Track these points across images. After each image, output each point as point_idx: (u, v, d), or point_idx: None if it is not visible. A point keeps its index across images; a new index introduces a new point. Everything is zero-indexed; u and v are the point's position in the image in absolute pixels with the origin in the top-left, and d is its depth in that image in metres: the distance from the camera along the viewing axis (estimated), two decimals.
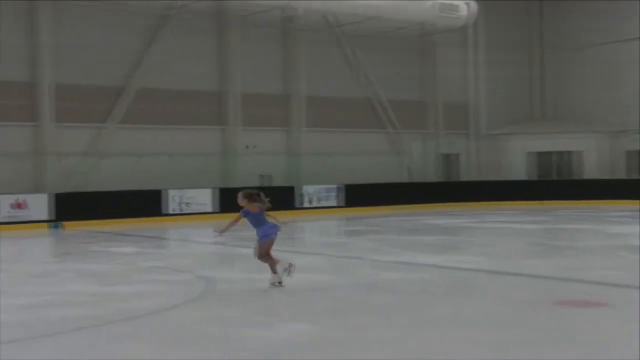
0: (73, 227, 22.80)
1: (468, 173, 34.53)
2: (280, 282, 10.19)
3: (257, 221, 10.22)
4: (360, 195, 29.65)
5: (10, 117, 24.87)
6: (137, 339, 7.38)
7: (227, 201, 26.40)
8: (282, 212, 26.54)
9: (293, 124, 30.50)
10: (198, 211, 26.03)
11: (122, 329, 7.88)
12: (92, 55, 26.23)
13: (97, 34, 26.40)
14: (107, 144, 26.53)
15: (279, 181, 29.56)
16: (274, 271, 10.18)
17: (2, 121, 24.72)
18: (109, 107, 26.63)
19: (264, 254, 10.16)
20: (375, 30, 31.58)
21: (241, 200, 10.25)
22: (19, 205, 22.84)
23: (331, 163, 30.46)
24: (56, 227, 22.96)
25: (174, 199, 25.75)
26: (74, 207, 23.81)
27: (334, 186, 29.42)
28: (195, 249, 17.23)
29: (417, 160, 33.56)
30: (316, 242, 19.14)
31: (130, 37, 27.02)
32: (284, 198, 28.00)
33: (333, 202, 29.19)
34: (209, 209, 26.21)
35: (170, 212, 25.64)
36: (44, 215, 23.28)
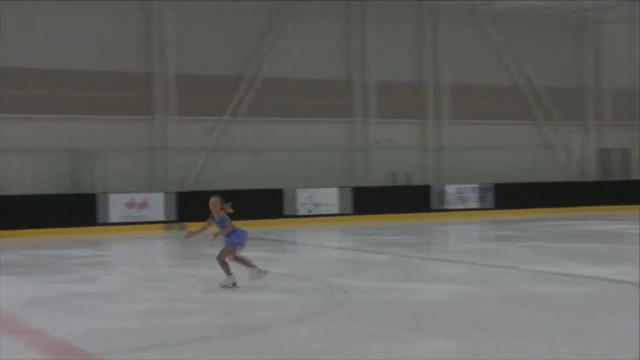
0: (191, 229, 23.46)
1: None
2: (234, 284, 11.38)
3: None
4: (508, 196, 29.02)
5: (126, 110, 26.01)
6: (260, 351, 7.49)
7: (357, 201, 26.54)
8: (416, 214, 27.00)
9: (429, 116, 30.23)
10: (324, 212, 26.25)
11: (245, 340, 8.01)
12: (211, 44, 27.00)
13: (217, 22, 27.16)
14: (225, 138, 27.24)
15: (413, 179, 29.39)
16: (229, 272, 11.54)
17: (120, 114, 25.89)
18: (228, 99, 27.33)
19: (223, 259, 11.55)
20: (525, 7, 30.79)
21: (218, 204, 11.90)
22: (135, 205, 23.84)
23: (474, 159, 29.98)
24: (180, 228, 23.78)
25: (297, 199, 26.08)
26: (190, 206, 24.56)
27: (476, 185, 28.94)
28: (323, 254, 17.33)
29: (575, 156, 32.45)
30: (458, 248, 18.87)
31: (251, 24, 27.61)
32: (418, 198, 27.84)
33: (476, 204, 28.72)
34: (336, 210, 26.38)
35: (293, 213, 25.99)
36: (160, 215, 24.17)
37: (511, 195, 29.04)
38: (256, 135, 27.63)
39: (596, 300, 10.22)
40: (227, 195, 25.24)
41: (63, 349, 7.67)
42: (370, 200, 26.86)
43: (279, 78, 27.93)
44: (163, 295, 11.11)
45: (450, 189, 28.57)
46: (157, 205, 24.16)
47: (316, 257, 16.69)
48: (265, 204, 25.62)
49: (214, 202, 12.02)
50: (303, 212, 26.15)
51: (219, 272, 12.63)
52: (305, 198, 26.29)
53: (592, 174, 32.54)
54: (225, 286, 11.47)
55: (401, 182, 29.04)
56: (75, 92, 25.32)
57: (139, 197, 24.02)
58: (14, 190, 23.64)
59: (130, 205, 23.79)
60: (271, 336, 8.20)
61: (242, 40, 27.47)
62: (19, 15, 24.63)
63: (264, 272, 11.54)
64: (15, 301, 10.63)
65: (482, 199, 28.81)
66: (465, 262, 14.72)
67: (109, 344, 7.85)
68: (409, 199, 27.66)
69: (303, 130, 28.37)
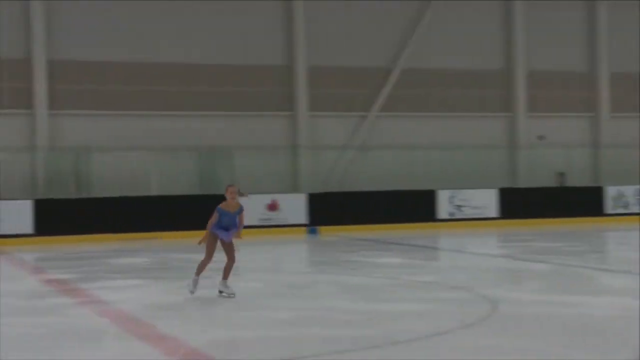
0: (330, 233, 23.81)
1: None
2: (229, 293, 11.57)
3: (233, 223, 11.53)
4: None
5: (263, 106, 26.59)
6: None
7: (516, 204, 26.04)
8: (584, 218, 26.13)
9: (600, 109, 29.28)
10: (478, 216, 25.91)
11: (391, 354, 8.04)
12: (352, 33, 27.19)
13: (358, 9, 27.32)
14: (371, 135, 27.36)
15: (580, 180, 28.56)
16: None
17: (256, 110, 26.50)
18: (372, 93, 27.43)
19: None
20: None
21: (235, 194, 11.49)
22: (274, 207, 24.33)
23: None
24: (313, 231, 24.13)
25: (451, 201, 25.87)
26: (331, 209, 24.81)
27: None
28: (475, 262, 17.10)
29: None
30: (633, 258, 18.16)
31: (398, 11, 27.60)
32: (587, 201, 27.01)
33: None
34: (493, 213, 25.99)
35: (445, 216, 25.79)
36: (301, 218, 24.54)
37: None
38: (404, 131, 27.62)
39: None
40: (373, 197, 25.55)
41: (200, 359, 7.91)
42: (531, 203, 26.29)
43: (427, 69, 27.83)
44: (304, 303, 11.30)
45: (626, 190, 27.52)
46: (294, 207, 24.51)
47: (467, 264, 16.50)
48: (415, 206, 25.55)
49: (235, 190, 11.53)
50: (458, 215, 25.88)
51: (361, 279, 12.72)
52: (461, 200, 26.02)
53: None
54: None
55: (569, 182, 28.25)
56: (202, 87, 26.06)
57: (278, 199, 24.45)
58: (140, 190, 24.39)
59: (269, 207, 24.28)
60: (414, 350, 8.17)
61: (388, 30, 27.54)
62: (156, 11, 25.64)
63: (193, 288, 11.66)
64: (147, 306, 11.06)
65: None
66: (638, 273, 14.16)
67: (251, 355, 8.05)
68: (575, 201, 26.86)
69: (456, 126, 28.14)
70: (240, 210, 11.64)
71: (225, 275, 11.70)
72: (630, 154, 28.86)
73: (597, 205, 27.10)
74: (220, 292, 11.66)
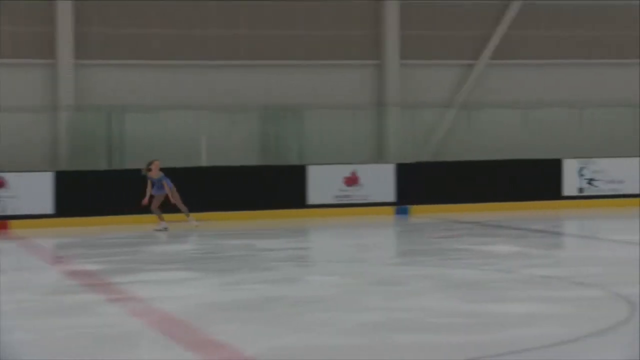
0: (424, 213, 23.74)
1: None
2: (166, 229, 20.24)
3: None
4: None
5: (342, 53, 26.54)
6: None
7: None
8: None
9: None
10: (616, 192, 25.55)
11: None
12: None
13: None
14: (477, 90, 27.11)
15: None
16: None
17: (334, 59, 26.48)
18: (481, 35, 27.13)
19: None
20: None
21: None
22: (353, 180, 24.30)
23: None
24: (403, 211, 24.04)
25: (582, 173, 25.57)
26: (426, 183, 24.66)
27: None
28: (611, 252, 16.90)
29: None
30: None
31: None
32: None
33: None
34: (635, 189, 25.56)
35: (573, 193, 25.50)
36: (388, 195, 24.43)
37: None
38: (522, 85, 27.30)
39: None
40: (479, 169, 25.31)
41: None
42: None
43: (554, 3, 27.39)
44: (392, 303, 11.30)
45: None
46: (380, 181, 24.44)
47: (601, 255, 16.35)
48: (534, 180, 25.28)
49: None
50: (589, 191, 25.57)
51: (465, 273, 12.65)
52: (593, 172, 25.71)
53: None
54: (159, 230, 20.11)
55: None
56: (264, 30, 26.02)
57: (358, 170, 24.39)
58: (187, 161, 24.10)
59: (349, 180, 24.25)
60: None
61: None
62: None
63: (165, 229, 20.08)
64: (195, 306, 11.18)
65: None
66: None
67: None
68: None
69: (588, 77, 27.72)
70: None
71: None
72: None
73: None
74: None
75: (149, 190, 20.77)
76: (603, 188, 25.68)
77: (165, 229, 20.53)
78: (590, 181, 25.76)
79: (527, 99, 27.22)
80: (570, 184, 25.67)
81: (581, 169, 25.75)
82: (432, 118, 26.97)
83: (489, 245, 17.49)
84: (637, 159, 26.01)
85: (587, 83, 27.79)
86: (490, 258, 15.60)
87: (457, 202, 24.38)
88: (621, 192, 25.65)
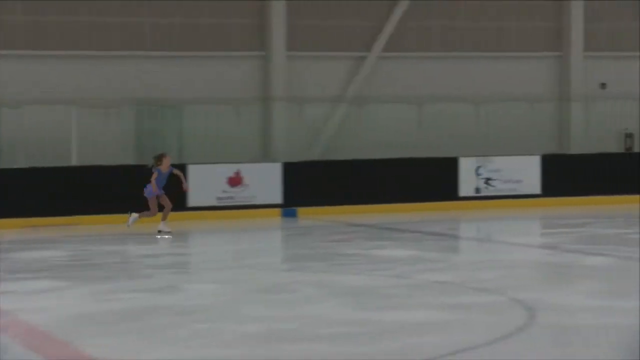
0: (313, 216, 23.78)
1: None
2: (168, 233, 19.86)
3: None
4: None
5: (230, 43, 26.47)
6: None
7: (567, 175, 26.02)
8: None
9: None
10: (514, 193, 25.89)
11: None
12: None
13: None
14: (368, 84, 27.24)
15: None
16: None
17: (220, 50, 26.37)
18: (373, 26, 27.24)
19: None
20: None
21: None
22: (237, 181, 24.19)
23: None
24: (290, 213, 24.04)
25: (476, 173, 25.82)
26: (315, 183, 24.66)
27: None
28: (509, 255, 17.21)
29: None
30: None
31: None
32: None
33: None
34: (533, 189, 25.93)
35: (470, 194, 25.76)
36: (274, 196, 24.39)
37: None
38: (415, 78, 27.42)
39: None
40: (372, 168, 25.44)
41: None
42: (585, 175, 26.26)
43: None
44: (278, 312, 11.37)
45: None
46: (266, 181, 24.38)
47: (499, 258, 16.59)
48: (429, 180, 25.38)
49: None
50: (487, 191, 25.82)
51: (357, 279, 12.79)
52: (491, 171, 25.94)
53: None
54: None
55: (633, 146, 28.36)
56: (140, 17, 25.79)
57: (241, 169, 24.28)
58: (55, 160, 23.78)
59: (232, 181, 24.15)
60: None
61: None
62: None
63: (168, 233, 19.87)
64: (65, 318, 11.08)
65: None
66: None
67: None
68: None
69: (485, 70, 28.03)
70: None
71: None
72: None
73: None
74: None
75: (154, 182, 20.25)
76: (501, 188, 25.97)
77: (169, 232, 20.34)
78: (487, 180, 25.99)
79: (422, 94, 27.42)
80: (466, 183, 25.86)
81: (478, 167, 25.97)
82: (321, 114, 27.00)
83: (381, 249, 17.59)
84: (536, 157, 26.42)
85: (485, 77, 28.11)
86: (383, 263, 15.75)
87: (348, 203, 24.39)
88: (520, 193, 25.97)
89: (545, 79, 28.70)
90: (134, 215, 20.30)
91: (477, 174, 25.85)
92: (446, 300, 11.92)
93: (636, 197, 25.35)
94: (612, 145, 28.41)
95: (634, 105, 28.52)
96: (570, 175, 26.12)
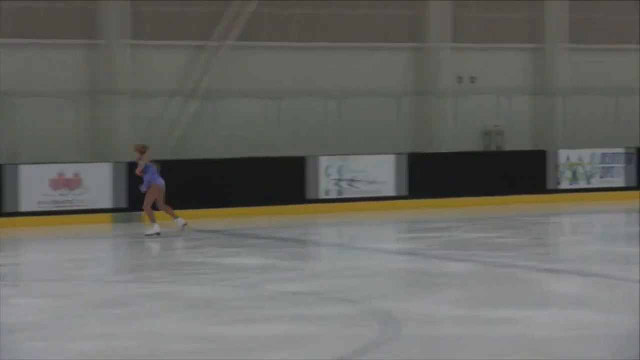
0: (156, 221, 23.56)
1: None
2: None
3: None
4: None
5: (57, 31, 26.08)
6: None
7: (425, 176, 26.39)
8: (525, 196, 26.53)
9: (549, 38, 29.98)
10: (373, 194, 26.09)
11: None
12: None
13: None
14: (216, 76, 27.13)
15: (521, 141, 29.29)
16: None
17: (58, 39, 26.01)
18: (222, 13, 27.11)
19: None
20: None
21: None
22: (66, 182, 23.77)
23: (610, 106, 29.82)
24: (127, 219, 23.72)
25: (328, 172, 25.94)
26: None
27: (622, 151, 28.74)
28: (368, 262, 17.41)
29: None
30: (586, 253, 18.82)
31: None
32: (528, 171, 27.61)
33: (620, 180, 28.51)
34: (391, 190, 26.14)
35: (324, 196, 25.87)
36: (106, 200, 24.06)
37: None
38: (268, 70, 27.23)
39: None
40: (218, 168, 25.26)
41: None
42: (449, 175, 26.64)
43: None
44: (117, 328, 11.29)
45: (575, 155, 28.22)
46: (99, 183, 23.96)
47: (357, 265, 16.76)
48: (285, 180, 25.38)
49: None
50: (343, 193, 25.92)
51: (204, 290, 12.83)
52: (348, 172, 25.99)
53: None
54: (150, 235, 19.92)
55: (506, 145, 28.86)
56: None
57: (70, 171, 23.82)
58: None
59: (57, 183, 23.72)
60: None
61: None
62: None
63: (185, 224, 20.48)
64: None
65: (627, 172, 28.53)
66: (596, 274, 14.79)
67: None
68: (513, 170, 27.42)
69: (343, 62, 27.99)
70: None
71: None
72: (588, 104, 29.83)
73: (540, 177, 27.76)
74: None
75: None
76: (358, 189, 26.11)
77: (158, 234, 20.44)
78: (344, 182, 26.07)
79: (273, 88, 27.38)
80: (321, 185, 25.86)
81: (334, 167, 26.02)
82: (162, 109, 26.74)
83: (230, 257, 17.65)
84: (396, 156, 26.68)
85: (345, 70, 28.15)
86: (231, 272, 15.80)
87: (190, 207, 24.08)
88: (379, 194, 26.11)
89: (406, 72, 28.91)
90: (180, 220, 20.81)
91: (333, 175, 25.92)
92: (300, 311, 12.05)
93: (504, 197, 25.98)
94: (480, 143, 28.93)
95: (505, 100, 29.17)
96: (434, 175, 26.48)
